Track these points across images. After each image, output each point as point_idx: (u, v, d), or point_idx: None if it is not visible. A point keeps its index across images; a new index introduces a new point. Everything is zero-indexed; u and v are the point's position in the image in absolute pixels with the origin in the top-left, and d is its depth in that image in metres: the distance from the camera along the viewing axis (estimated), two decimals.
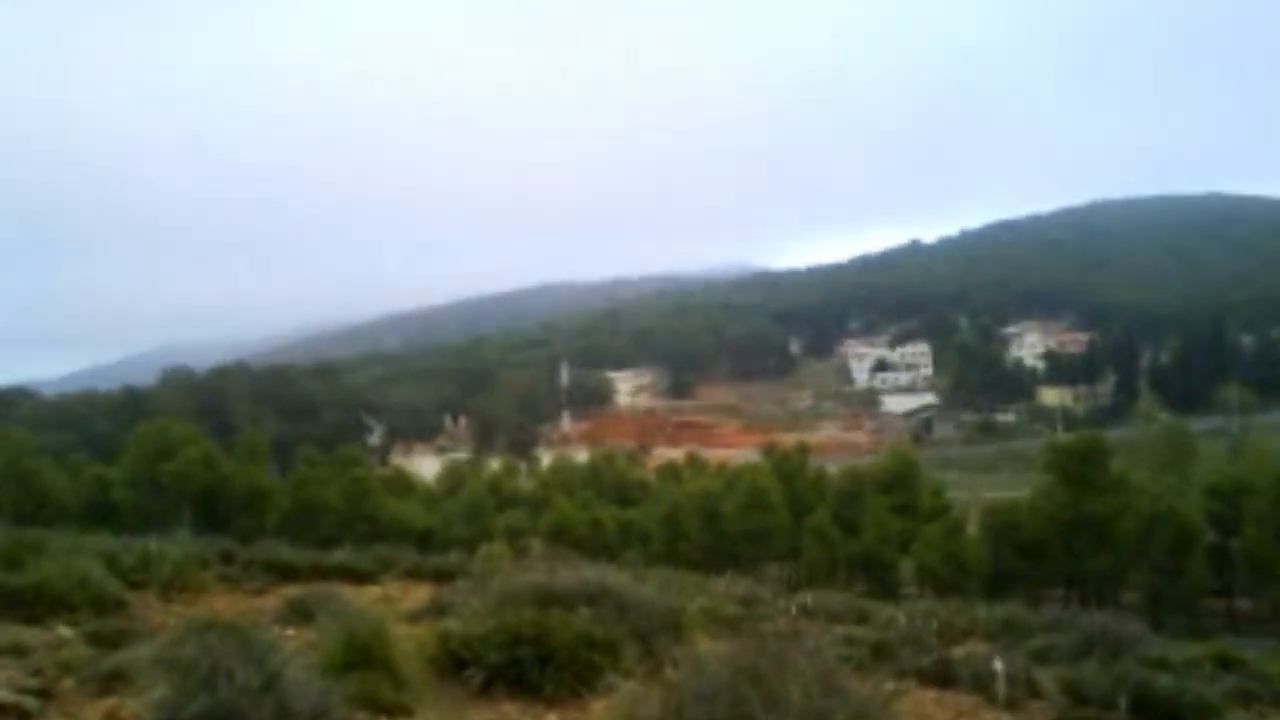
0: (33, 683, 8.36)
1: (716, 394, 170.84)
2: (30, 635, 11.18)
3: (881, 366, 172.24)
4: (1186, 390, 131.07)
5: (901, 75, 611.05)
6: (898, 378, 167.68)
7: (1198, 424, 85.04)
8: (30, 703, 7.68)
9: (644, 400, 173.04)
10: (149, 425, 55.46)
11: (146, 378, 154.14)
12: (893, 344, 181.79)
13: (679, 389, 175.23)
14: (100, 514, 45.62)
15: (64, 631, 11.89)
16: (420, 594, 18.63)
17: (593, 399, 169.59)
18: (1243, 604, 29.25)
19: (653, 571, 24.65)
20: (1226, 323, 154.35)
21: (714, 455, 73.99)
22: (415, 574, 22.85)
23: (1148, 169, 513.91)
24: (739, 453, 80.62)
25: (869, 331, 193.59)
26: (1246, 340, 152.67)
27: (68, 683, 8.62)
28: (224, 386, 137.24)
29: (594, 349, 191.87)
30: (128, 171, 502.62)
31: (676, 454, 72.00)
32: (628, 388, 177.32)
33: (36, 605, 12.88)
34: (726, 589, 22.42)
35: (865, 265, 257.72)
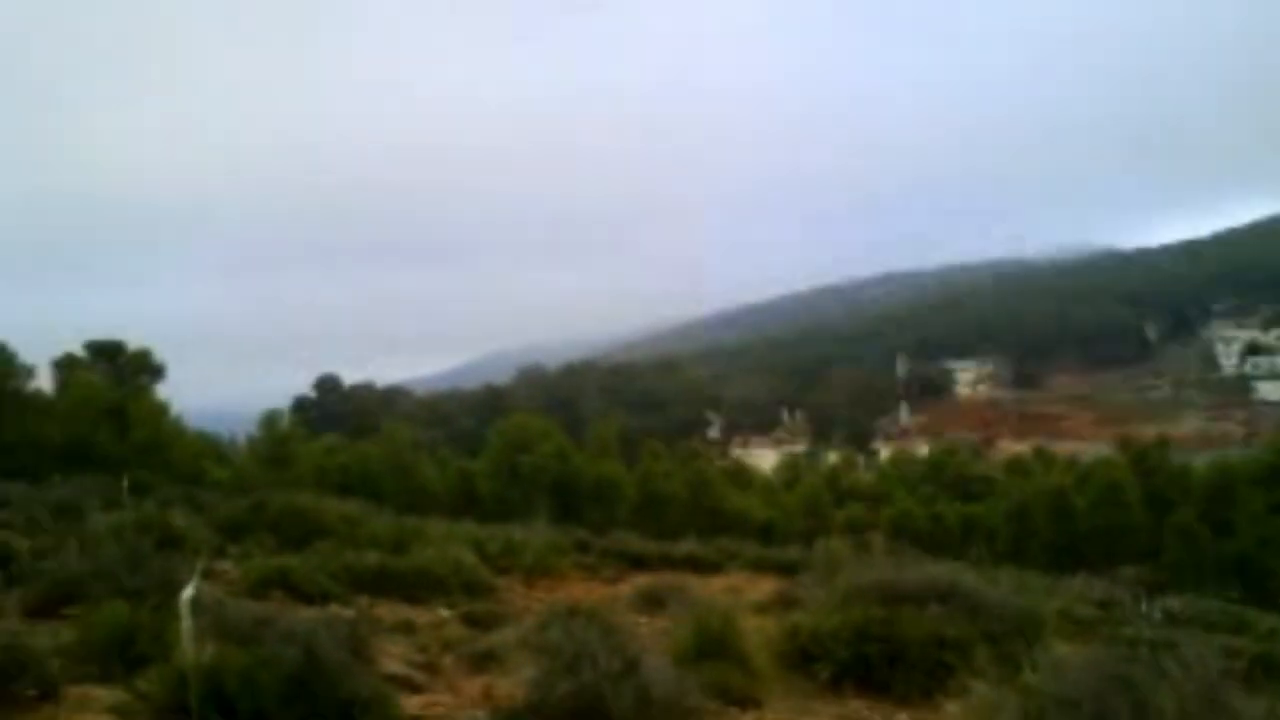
0: (419, 658, 9.27)
1: (1064, 383, 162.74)
2: (415, 614, 12.36)
3: (1253, 350, 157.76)
4: None
5: (1262, 23, 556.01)
6: (1273, 362, 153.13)
7: None
8: (419, 677, 8.53)
9: (985, 391, 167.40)
10: (507, 420, 59.30)
11: (504, 376, 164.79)
12: (1265, 325, 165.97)
13: (1023, 379, 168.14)
14: (466, 504, 49.17)
15: (443, 612, 13.06)
16: (765, 586, 19.02)
17: (931, 390, 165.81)
18: None
19: (1000, 571, 23.94)
20: None
21: (1063, 448, 70.49)
22: (759, 566, 23.35)
23: None
24: (1090, 446, 76.48)
25: (1236, 312, 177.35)
26: None
27: (448, 659, 9.48)
28: (574, 383, 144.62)
29: (932, 339, 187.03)
30: (494, 181, 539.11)
31: (1022, 447, 69.08)
32: (968, 378, 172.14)
33: (418, 587, 14.19)
34: (1081, 591, 21.46)
35: (1229, 239, 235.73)
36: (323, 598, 12.16)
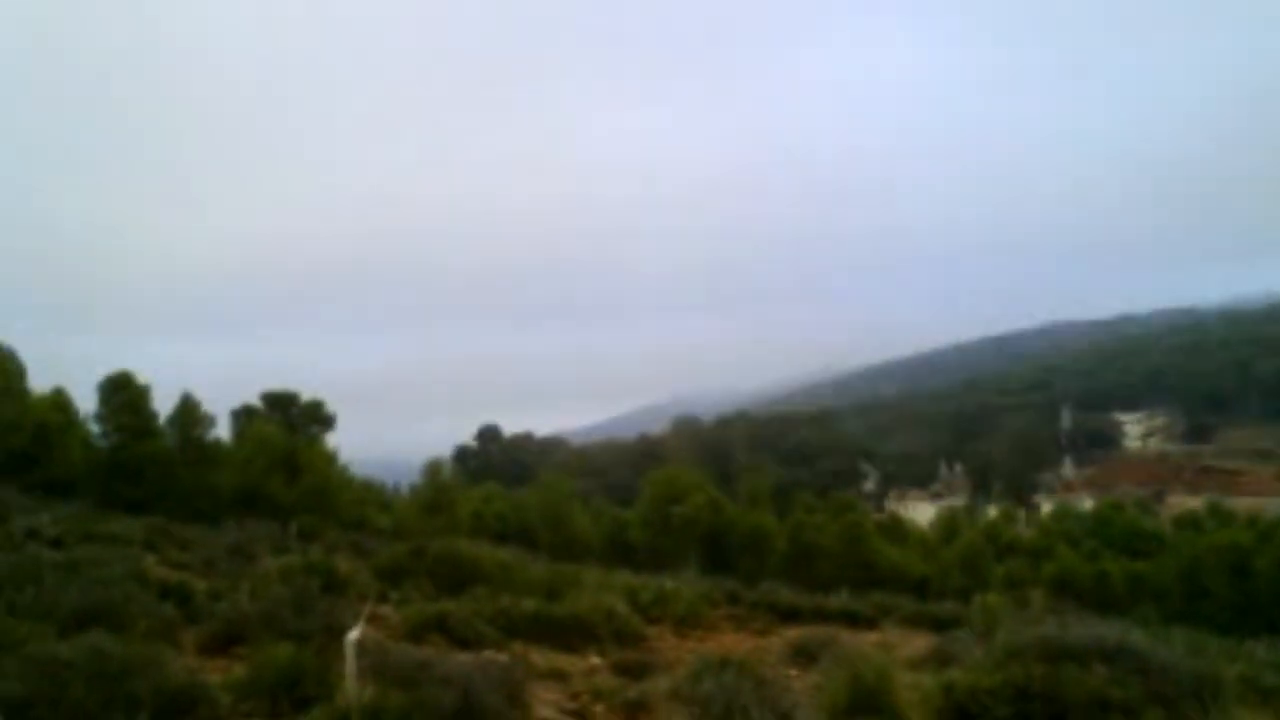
0: (572, 705, 9.42)
1: (1242, 437, 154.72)
2: (567, 662, 12.53)
3: None
4: None
5: None
6: None
7: None
8: None
9: (1156, 444, 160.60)
10: (660, 471, 59.64)
11: (659, 426, 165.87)
12: None
13: (1196, 431, 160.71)
14: (619, 553, 49.57)
15: (595, 659, 13.21)
16: (919, 642, 18.62)
17: (1097, 443, 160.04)
18: None
19: (1172, 631, 22.85)
20: None
21: (1241, 504, 67.01)
22: (913, 621, 22.86)
23: None
24: (1271, 502, 72.50)
25: None
26: None
27: (599, 708, 9.60)
28: (727, 434, 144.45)
29: (1098, 390, 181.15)
30: (637, 229, 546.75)
31: (1195, 502, 65.98)
32: (1137, 430, 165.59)
33: (571, 634, 14.38)
34: (1266, 656, 20.26)
35: None
36: (478, 642, 12.46)
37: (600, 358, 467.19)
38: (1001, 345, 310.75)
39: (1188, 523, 56.16)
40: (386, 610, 14.03)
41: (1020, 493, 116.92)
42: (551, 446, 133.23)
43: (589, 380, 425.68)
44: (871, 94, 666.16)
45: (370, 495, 56.46)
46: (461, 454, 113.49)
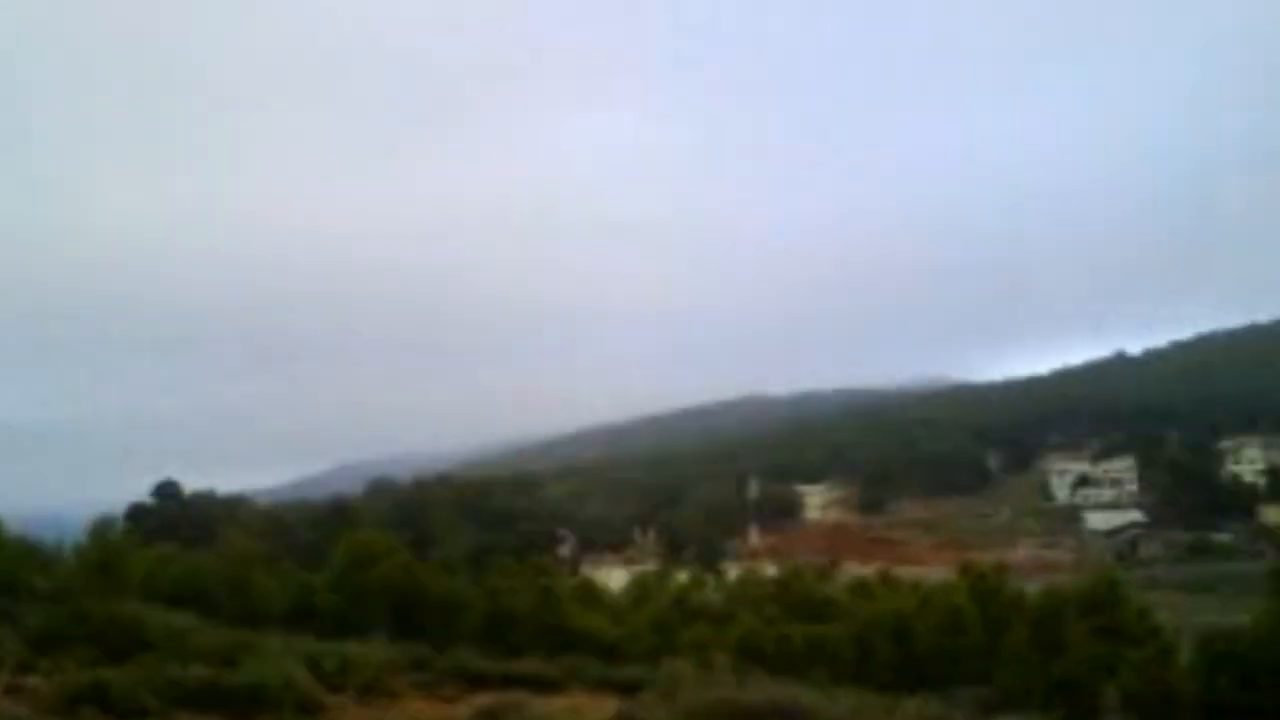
0: None
1: (910, 510, 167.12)
2: None
3: (1083, 482, 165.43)
4: None
5: (1104, 183, 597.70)
6: (1100, 494, 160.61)
7: None
8: None
9: (834, 515, 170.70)
10: (352, 535, 57.79)
11: (354, 487, 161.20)
12: (1095, 459, 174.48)
13: (870, 504, 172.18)
14: (306, 618, 47.52)
15: None
16: (606, 705, 18.86)
17: (782, 513, 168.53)
18: None
19: (841, 690, 24.22)
20: None
21: (906, 572, 71.95)
22: (601, 685, 23.17)
23: None
24: (932, 570, 78.30)
25: (1070, 446, 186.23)
26: None
27: None
28: (425, 497, 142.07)
29: (784, 463, 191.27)
30: (336, 288, 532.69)
31: (867, 570, 70.32)
32: (817, 502, 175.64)
33: (246, 703, 13.66)
34: (918, 710, 21.86)
35: (1066, 377, 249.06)
36: (140, 714, 11.62)
37: (294, 414, 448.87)
38: (697, 417, 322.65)
39: (860, 589, 59.61)
40: (35, 680, 12.86)
41: (710, 559, 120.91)
42: (236, 506, 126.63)
43: (279, 436, 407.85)
44: (595, 161, 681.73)
45: (25, 554, 51.68)
46: (136, 511, 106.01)
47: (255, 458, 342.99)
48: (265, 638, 23.06)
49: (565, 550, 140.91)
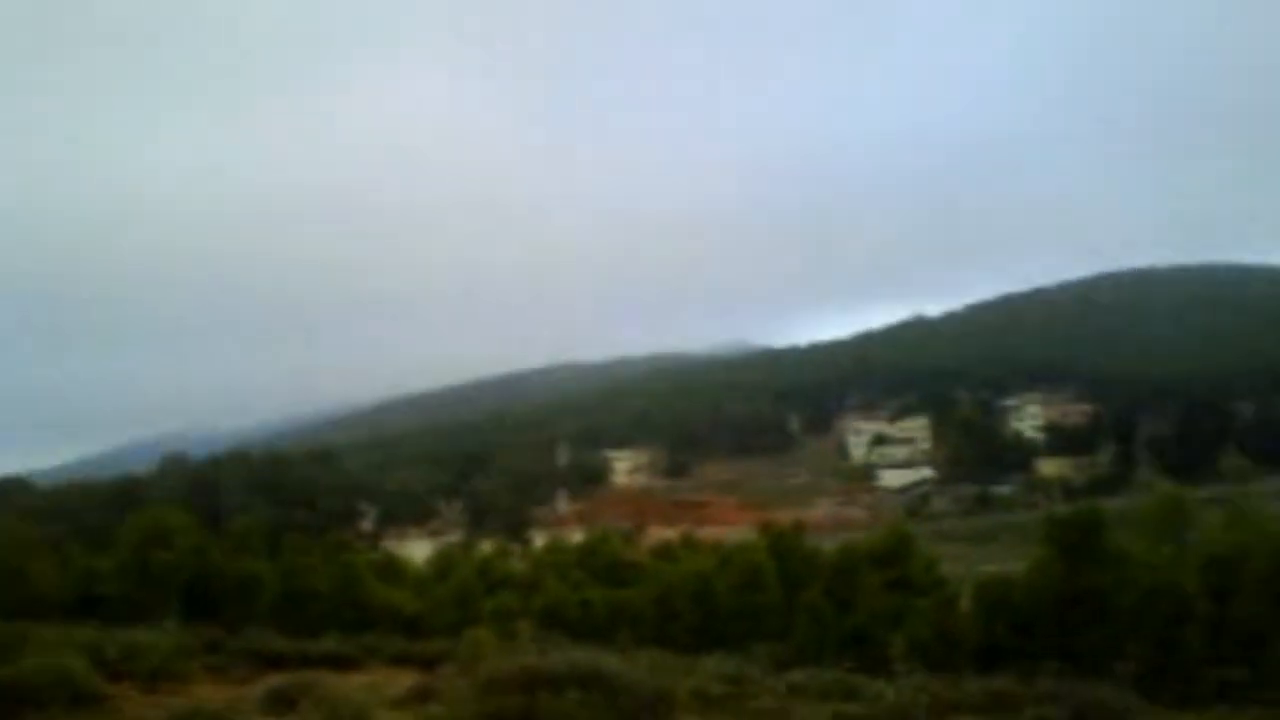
0: None
1: (714, 472, 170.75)
2: None
3: (879, 441, 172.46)
4: (1186, 459, 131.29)
5: (906, 148, 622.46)
6: (895, 452, 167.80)
7: (1198, 492, 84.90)
8: None
9: (641, 479, 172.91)
10: (141, 514, 55.12)
11: (145, 466, 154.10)
12: (891, 419, 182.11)
13: (677, 468, 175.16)
14: (89, 606, 45.19)
15: None
16: (405, 680, 18.54)
17: (590, 479, 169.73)
18: (1237, 673, 29.18)
19: (643, 653, 24.51)
20: (1227, 391, 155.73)
21: (710, 534, 73.68)
22: (402, 660, 22.80)
23: (1151, 239, 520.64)
24: (735, 531, 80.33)
25: (868, 407, 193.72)
26: (1246, 409, 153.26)
27: None
28: (220, 474, 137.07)
29: (593, 429, 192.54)
30: (131, 259, 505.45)
31: (671, 533, 71.52)
32: (625, 467, 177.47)
33: (11, 700, 12.80)
34: (715, 668, 22.33)
35: (867, 341, 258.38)
36: None
37: (78, 390, 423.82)
38: (505, 385, 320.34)
39: (663, 552, 60.55)
40: None
41: (517, 528, 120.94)
42: (12, 489, 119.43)
43: (59, 414, 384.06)
44: (400, 129, 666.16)
45: None
46: None
47: (35, 438, 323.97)
48: (42, 629, 21.72)
49: (367, 524, 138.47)
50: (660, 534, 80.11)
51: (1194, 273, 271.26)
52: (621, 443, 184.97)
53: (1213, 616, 29.65)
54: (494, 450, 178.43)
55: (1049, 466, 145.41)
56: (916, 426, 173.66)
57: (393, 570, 56.98)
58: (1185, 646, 29.74)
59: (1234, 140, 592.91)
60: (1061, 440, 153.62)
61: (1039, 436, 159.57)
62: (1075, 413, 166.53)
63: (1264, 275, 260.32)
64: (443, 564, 60.63)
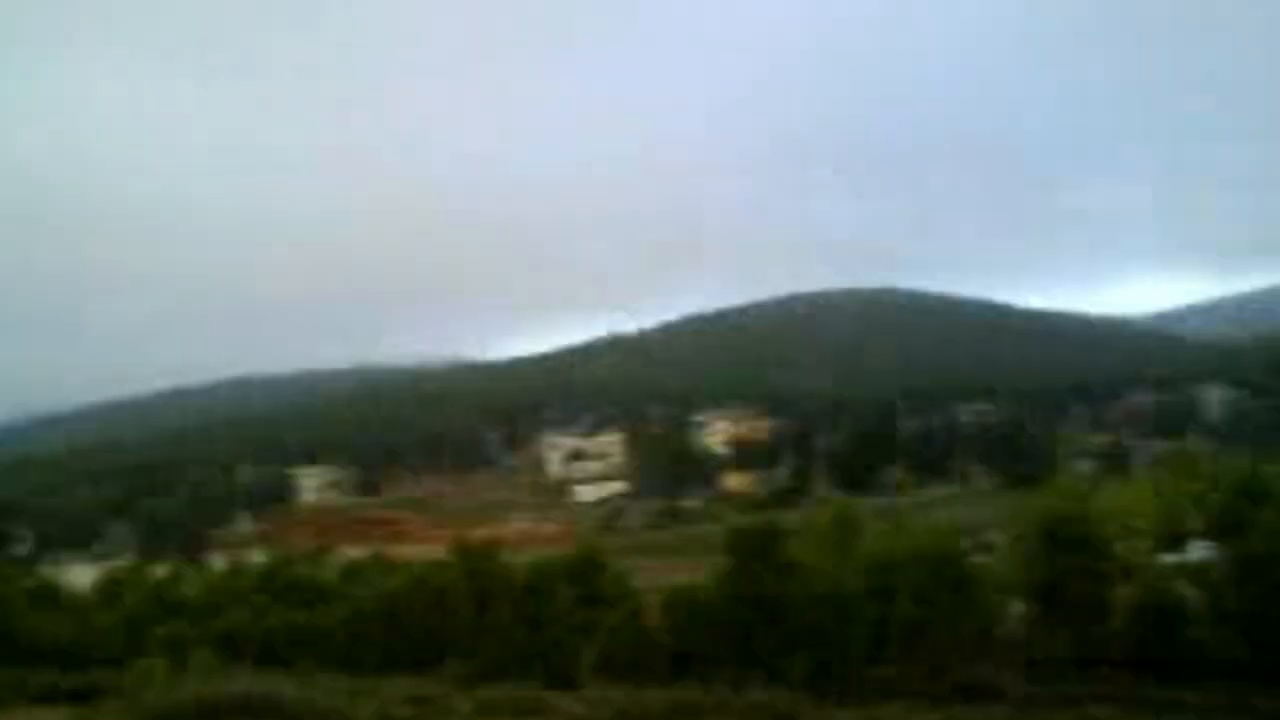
0: None
1: (409, 489, 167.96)
2: None
3: (575, 457, 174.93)
4: (858, 472, 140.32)
5: (611, 166, 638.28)
6: (590, 467, 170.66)
7: (866, 503, 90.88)
8: None
9: (331, 497, 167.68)
10: None
11: None
12: (588, 434, 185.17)
13: (370, 485, 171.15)
14: None
15: None
16: (53, 717, 16.91)
17: (275, 497, 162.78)
18: (899, 670, 31.41)
19: (326, 677, 23.54)
20: (895, 410, 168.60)
21: (402, 553, 72.03)
22: (49, 697, 20.81)
23: (830, 264, 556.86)
24: (428, 549, 79.01)
25: (565, 422, 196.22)
26: (911, 425, 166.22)
27: None
28: None
29: (282, 444, 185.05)
30: None
31: (362, 553, 69.50)
32: (314, 485, 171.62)
33: None
34: (401, 690, 21.76)
35: (567, 356, 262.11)
36: None
37: None
38: (190, 398, 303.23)
39: (351, 573, 58.74)
40: None
41: (193, 550, 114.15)
42: None
43: None
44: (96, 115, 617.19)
45: None
46: None
47: None
48: None
49: (23, 549, 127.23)
50: (350, 554, 77.62)
51: (868, 297, 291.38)
52: (312, 459, 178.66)
53: (875, 617, 31.57)
54: (173, 467, 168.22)
55: (734, 480, 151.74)
56: (611, 442, 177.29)
57: (49, 597, 52.40)
58: (852, 646, 31.64)
59: (911, 174, 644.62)
60: (745, 455, 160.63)
61: (725, 452, 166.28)
62: (758, 429, 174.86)
63: (932, 301, 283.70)
64: (110, 589, 56.35)
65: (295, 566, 57.80)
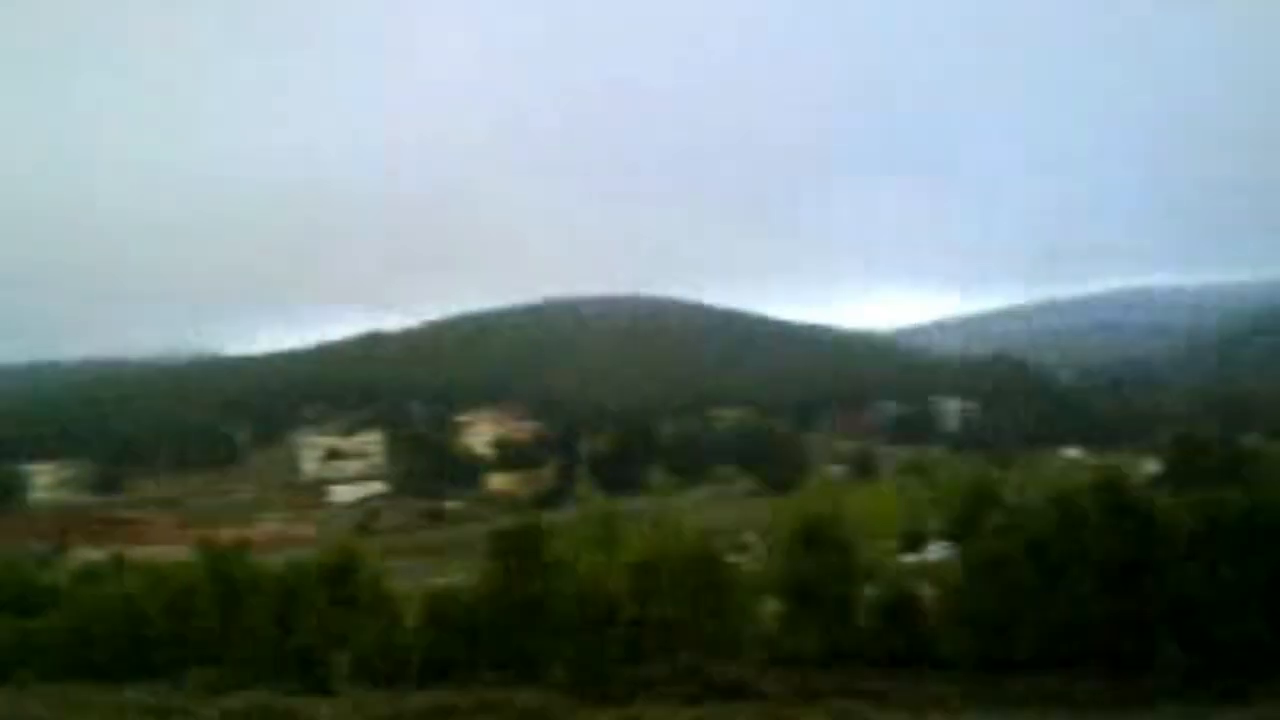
0: None
1: (154, 487, 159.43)
2: None
3: (332, 456, 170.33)
4: (620, 475, 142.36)
5: (368, 163, 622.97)
6: (348, 467, 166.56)
7: (627, 505, 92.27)
8: None
9: (66, 495, 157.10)
10: None
11: None
12: (346, 433, 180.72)
13: (109, 483, 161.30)
14: None
15: None
16: None
17: (2, 495, 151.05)
18: (657, 669, 31.87)
19: (51, 687, 21.88)
20: (654, 414, 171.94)
21: (144, 554, 68.15)
22: None
23: (593, 270, 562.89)
24: (172, 550, 75.15)
25: (323, 421, 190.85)
26: (671, 429, 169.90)
27: None
28: None
29: (10, 439, 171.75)
30: None
31: (99, 554, 65.44)
32: (47, 482, 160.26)
33: None
34: (137, 698, 20.46)
35: (325, 353, 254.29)
36: None
37: None
38: None
39: (87, 575, 55.21)
40: None
41: None
42: None
43: None
44: None
45: None
46: None
47: None
48: None
49: None
50: (87, 555, 72.92)
51: (630, 304, 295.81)
52: (46, 455, 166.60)
53: (635, 617, 31.94)
54: None
55: (498, 481, 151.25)
56: (370, 441, 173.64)
57: None
58: (611, 646, 31.88)
59: (674, 182, 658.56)
60: (510, 456, 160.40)
61: (489, 452, 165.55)
62: (522, 430, 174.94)
63: (690, 310, 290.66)
64: None
65: (20, 569, 53.81)
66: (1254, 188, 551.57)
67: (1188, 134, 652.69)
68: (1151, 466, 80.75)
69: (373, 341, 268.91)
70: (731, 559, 35.42)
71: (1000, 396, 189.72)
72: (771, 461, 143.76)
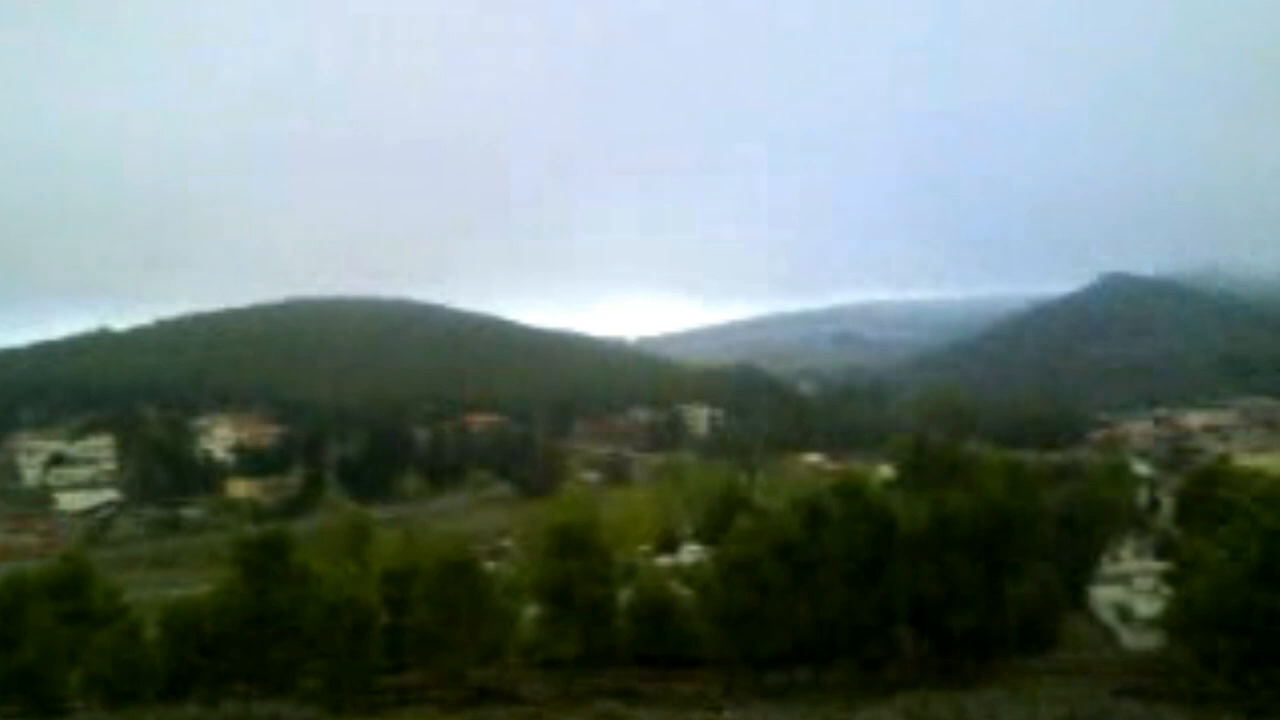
0: None
1: None
2: None
3: (57, 461, 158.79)
4: (371, 481, 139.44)
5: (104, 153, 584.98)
6: (75, 474, 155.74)
7: (380, 512, 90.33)
8: None
9: None
10: None
11: None
12: (72, 437, 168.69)
13: None
14: None
15: None
16: None
17: None
18: (417, 677, 31.48)
19: None
20: (406, 419, 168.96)
21: None
22: None
23: (346, 269, 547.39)
24: None
25: (45, 424, 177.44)
26: (423, 435, 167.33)
27: None
28: None
29: None
30: None
31: None
32: None
33: None
34: None
35: (46, 352, 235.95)
36: None
37: None
38: None
39: None
40: None
41: None
42: None
43: None
44: None
45: None
46: None
47: None
48: None
49: None
50: None
51: (379, 306, 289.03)
52: None
53: (391, 627, 31.50)
54: None
55: (240, 487, 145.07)
56: (100, 446, 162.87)
57: None
58: (366, 656, 31.25)
59: (429, 185, 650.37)
60: (252, 462, 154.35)
61: (229, 457, 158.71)
62: (265, 434, 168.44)
63: (442, 314, 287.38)
64: None
65: None
66: (987, 209, 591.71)
67: (935, 157, 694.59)
68: (886, 471, 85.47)
69: (100, 340, 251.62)
70: (489, 564, 35.43)
71: (745, 404, 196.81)
72: (527, 467, 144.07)
